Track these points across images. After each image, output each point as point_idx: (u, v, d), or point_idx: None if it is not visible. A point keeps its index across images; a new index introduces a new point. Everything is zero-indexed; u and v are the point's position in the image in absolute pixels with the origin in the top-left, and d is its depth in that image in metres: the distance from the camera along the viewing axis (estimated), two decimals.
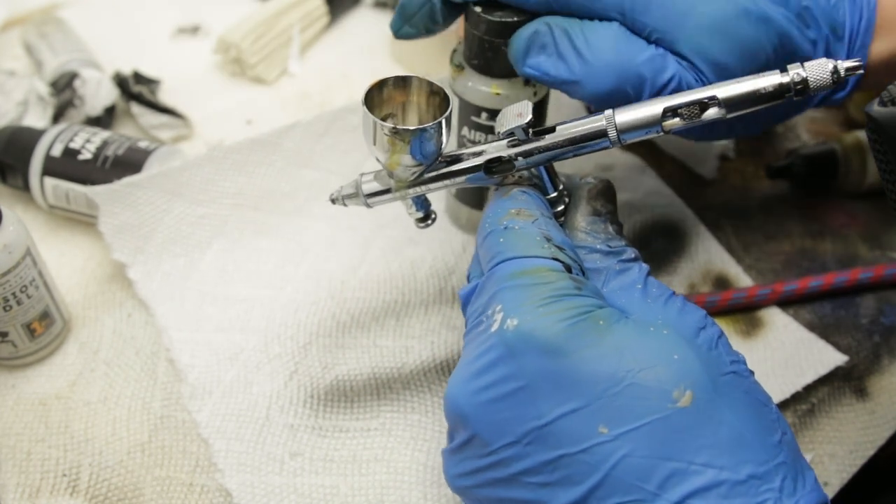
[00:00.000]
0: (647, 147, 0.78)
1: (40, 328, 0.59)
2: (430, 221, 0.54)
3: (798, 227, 0.73)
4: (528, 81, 0.58)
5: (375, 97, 0.49)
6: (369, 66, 0.85)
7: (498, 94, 0.57)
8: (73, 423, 0.58)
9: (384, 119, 0.50)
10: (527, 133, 0.48)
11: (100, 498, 0.54)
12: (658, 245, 0.70)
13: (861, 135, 0.74)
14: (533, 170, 0.49)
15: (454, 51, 0.60)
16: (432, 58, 0.81)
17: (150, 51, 0.85)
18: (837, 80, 0.43)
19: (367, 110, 0.47)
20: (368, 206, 0.53)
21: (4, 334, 0.58)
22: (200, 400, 0.58)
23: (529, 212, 0.46)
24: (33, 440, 0.57)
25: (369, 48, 0.87)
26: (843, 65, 0.43)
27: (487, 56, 0.56)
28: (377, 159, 0.49)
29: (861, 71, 0.43)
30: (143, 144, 0.68)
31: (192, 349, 0.61)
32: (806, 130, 0.82)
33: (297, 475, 0.55)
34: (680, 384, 0.39)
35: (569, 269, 0.44)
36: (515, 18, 0.54)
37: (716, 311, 0.66)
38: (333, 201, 0.55)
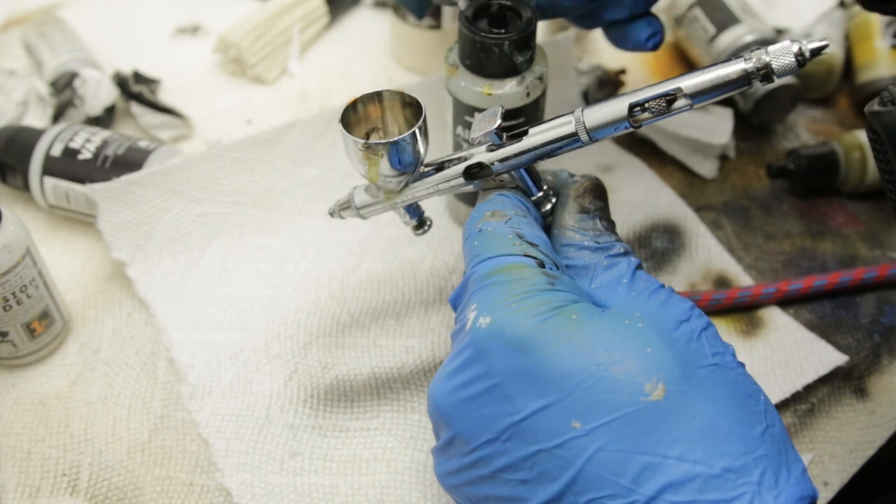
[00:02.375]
0: (647, 147, 0.78)
1: (40, 328, 0.59)
2: (425, 228, 0.56)
3: (798, 227, 0.73)
4: (521, 81, 0.58)
5: (352, 116, 0.50)
6: (369, 66, 0.85)
7: (490, 94, 0.57)
8: (73, 423, 0.58)
9: (367, 135, 0.51)
10: (500, 137, 0.48)
11: (100, 498, 0.54)
12: (658, 245, 0.70)
13: (861, 135, 0.74)
14: (514, 173, 0.50)
15: (449, 49, 0.60)
16: (431, 57, 0.81)
17: (150, 51, 0.85)
18: (803, 62, 0.42)
19: (341, 128, 0.48)
20: (363, 217, 0.55)
21: (4, 334, 0.58)
22: (200, 400, 0.58)
23: (503, 212, 0.47)
24: (33, 440, 0.57)
25: (369, 48, 0.87)
26: (808, 46, 0.42)
27: (480, 56, 0.56)
28: (360, 174, 0.50)
29: (828, 51, 0.42)
30: (143, 144, 0.68)
31: (192, 349, 0.61)
32: (806, 130, 0.82)
33: (296, 475, 0.55)
34: (652, 377, 0.39)
35: (542, 265, 0.44)
36: None
37: (720, 309, 0.66)
38: (331, 214, 0.57)
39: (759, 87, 0.44)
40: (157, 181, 0.65)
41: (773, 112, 0.80)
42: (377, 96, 0.51)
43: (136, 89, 0.77)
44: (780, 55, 0.42)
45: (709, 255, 0.70)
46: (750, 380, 0.42)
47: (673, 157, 0.77)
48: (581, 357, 0.40)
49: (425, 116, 0.48)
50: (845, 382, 0.63)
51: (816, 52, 0.42)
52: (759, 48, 0.43)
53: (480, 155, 0.49)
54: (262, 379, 0.60)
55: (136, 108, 0.76)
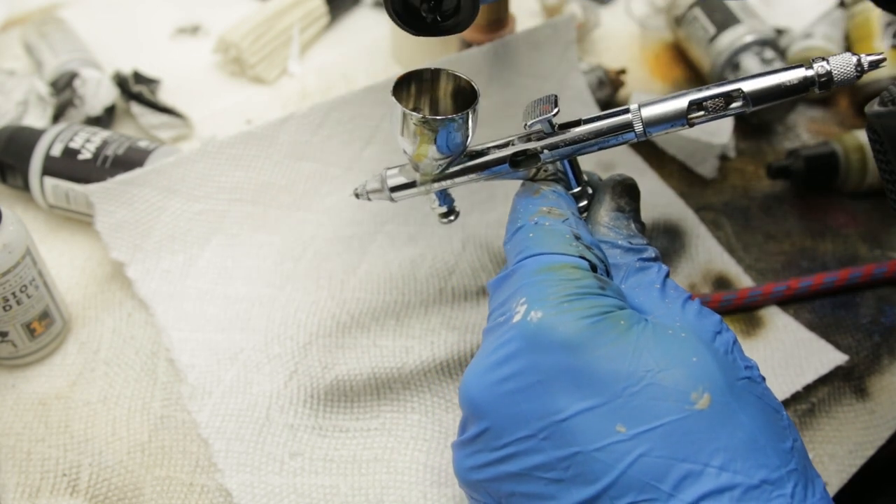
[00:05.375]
0: (648, 147, 0.78)
1: (40, 328, 0.59)
2: (452, 217, 0.55)
3: (798, 227, 0.73)
4: None
5: (403, 89, 0.49)
6: (369, 66, 0.85)
7: None
8: (73, 423, 0.57)
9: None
10: (553, 126, 0.48)
11: (100, 498, 0.54)
12: (658, 245, 0.70)
13: (861, 135, 0.74)
14: (558, 164, 0.49)
15: None
16: (431, 57, 0.81)
17: (150, 50, 0.85)
18: (861, 73, 0.43)
19: (394, 100, 0.47)
20: (393, 200, 0.54)
21: (4, 334, 0.58)
22: (200, 400, 0.58)
23: (560, 211, 0.47)
24: (33, 440, 0.57)
25: (369, 48, 0.87)
26: (867, 58, 0.43)
27: None
28: (404, 151, 0.49)
29: (884, 64, 0.44)
30: (143, 144, 0.68)
31: (192, 349, 0.61)
32: (806, 130, 0.82)
33: (296, 475, 0.55)
34: (698, 386, 0.39)
35: (594, 269, 0.44)
36: None
37: (731, 309, 0.66)
38: (357, 196, 0.55)
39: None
40: (153, 180, 0.65)
41: (773, 112, 0.80)
42: (431, 74, 0.50)
43: (136, 89, 0.77)
44: (842, 66, 0.44)
45: (709, 255, 0.70)
46: (772, 394, 0.43)
47: (673, 156, 0.77)
48: (630, 362, 0.40)
49: (478, 101, 0.48)
50: (845, 382, 0.63)
51: (874, 64, 0.43)
52: (818, 58, 0.44)
53: (528, 143, 0.49)
54: (262, 379, 0.60)
55: (136, 108, 0.76)
